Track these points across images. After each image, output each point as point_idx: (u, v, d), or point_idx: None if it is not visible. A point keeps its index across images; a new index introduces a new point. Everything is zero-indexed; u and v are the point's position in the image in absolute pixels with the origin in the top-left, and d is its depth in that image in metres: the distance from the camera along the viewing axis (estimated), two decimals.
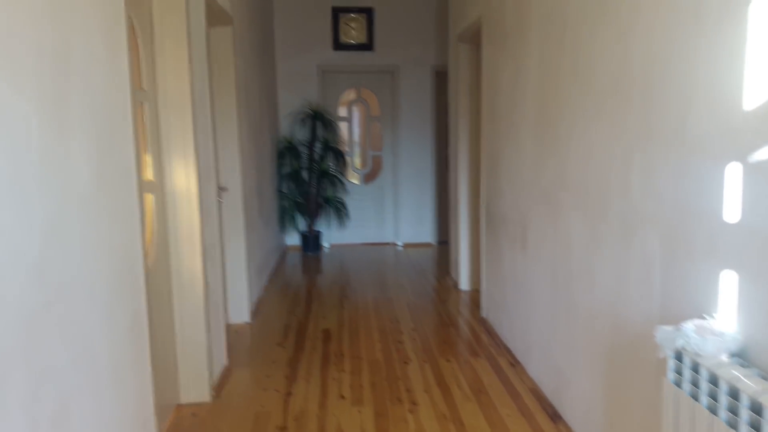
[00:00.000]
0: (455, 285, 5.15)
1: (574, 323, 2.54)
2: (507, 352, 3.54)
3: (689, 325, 1.49)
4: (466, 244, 5.05)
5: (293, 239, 6.88)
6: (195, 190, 2.81)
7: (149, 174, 2.61)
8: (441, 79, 6.89)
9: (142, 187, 2.48)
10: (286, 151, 6.46)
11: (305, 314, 4.36)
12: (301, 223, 6.80)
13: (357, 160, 7.15)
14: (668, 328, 1.54)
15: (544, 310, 2.93)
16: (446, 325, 4.09)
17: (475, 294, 4.84)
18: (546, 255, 2.89)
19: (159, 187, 2.71)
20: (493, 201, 3.97)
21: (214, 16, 3.63)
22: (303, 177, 6.53)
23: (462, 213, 5.08)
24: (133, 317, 1.92)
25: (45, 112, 1.37)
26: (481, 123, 4.35)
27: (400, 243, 7.11)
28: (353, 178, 7.14)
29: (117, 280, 1.78)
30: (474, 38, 4.66)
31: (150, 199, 2.62)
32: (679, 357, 1.52)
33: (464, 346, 3.67)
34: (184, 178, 2.80)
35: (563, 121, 2.63)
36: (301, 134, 6.68)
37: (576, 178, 2.49)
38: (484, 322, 4.11)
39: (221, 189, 3.99)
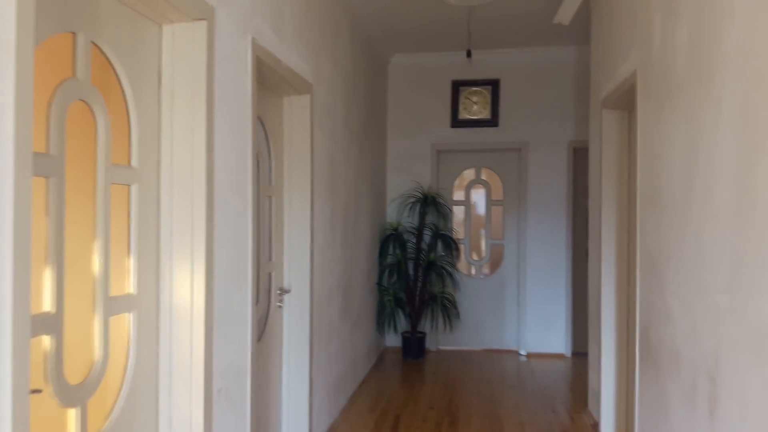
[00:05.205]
0: (594, 426, 3.78)
1: None
2: None
3: None
4: (611, 371, 3.72)
5: (394, 340, 5.86)
6: (201, 304, 1.96)
7: (127, 285, 1.81)
8: (581, 156, 5.73)
9: (109, 307, 1.67)
10: (390, 239, 5.59)
11: None
12: (403, 323, 5.79)
13: (473, 250, 6.09)
14: None
15: None
16: None
17: None
18: None
19: (147, 302, 1.89)
20: (654, 326, 2.71)
21: (283, 81, 2.92)
22: (407, 269, 5.58)
23: (606, 328, 3.78)
24: None
25: None
26: (636, 211, 3.15)
27: (523, 352, 5.79)
28: (467, 271, 6.06)
29: None
30: (624, 101, 3.54)
31: (125, 320, 1.80)
32: None
33: None
34: (187, 288, 1.96)
35: None
36: (410, 220, 5.80)
37: None
38: None
39: (282, 291, 3.15)
